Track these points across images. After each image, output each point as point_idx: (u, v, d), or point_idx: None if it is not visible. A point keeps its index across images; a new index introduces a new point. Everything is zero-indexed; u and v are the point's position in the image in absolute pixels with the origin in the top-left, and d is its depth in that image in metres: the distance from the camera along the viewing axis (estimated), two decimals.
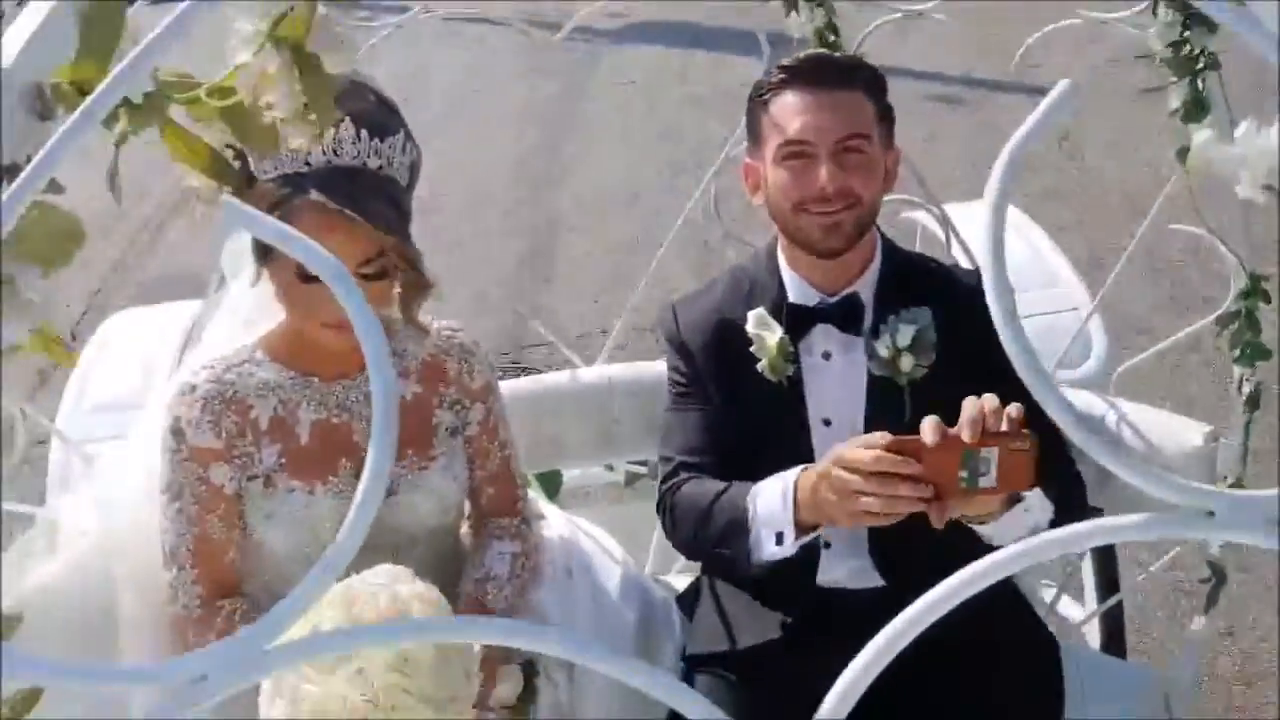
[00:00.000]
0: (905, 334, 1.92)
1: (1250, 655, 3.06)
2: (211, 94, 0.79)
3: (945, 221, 2.30)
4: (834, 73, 1.94)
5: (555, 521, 2.16)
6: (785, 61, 1.96)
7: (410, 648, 1.45)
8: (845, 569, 2.02)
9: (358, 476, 1.80)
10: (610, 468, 2.68)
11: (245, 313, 1.90)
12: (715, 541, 1.96)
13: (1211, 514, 0.57)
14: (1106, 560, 2.37)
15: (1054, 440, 1.64)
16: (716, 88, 6.43)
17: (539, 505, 2.15)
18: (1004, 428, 1.61)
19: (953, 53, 6.29)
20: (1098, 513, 2.00)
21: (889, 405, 1.94)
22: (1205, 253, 2.05)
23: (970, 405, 1.63)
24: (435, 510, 1.91)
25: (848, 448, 1.71)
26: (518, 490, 2.04)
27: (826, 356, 2.00)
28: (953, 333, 1.93)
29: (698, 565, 2.20)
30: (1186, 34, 1.73)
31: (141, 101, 0.70)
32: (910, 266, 2.05)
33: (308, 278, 1.71)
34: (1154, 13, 1.81)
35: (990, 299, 0.63)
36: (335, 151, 1.68)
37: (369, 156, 1.70)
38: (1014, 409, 1.62)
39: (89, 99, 0.68)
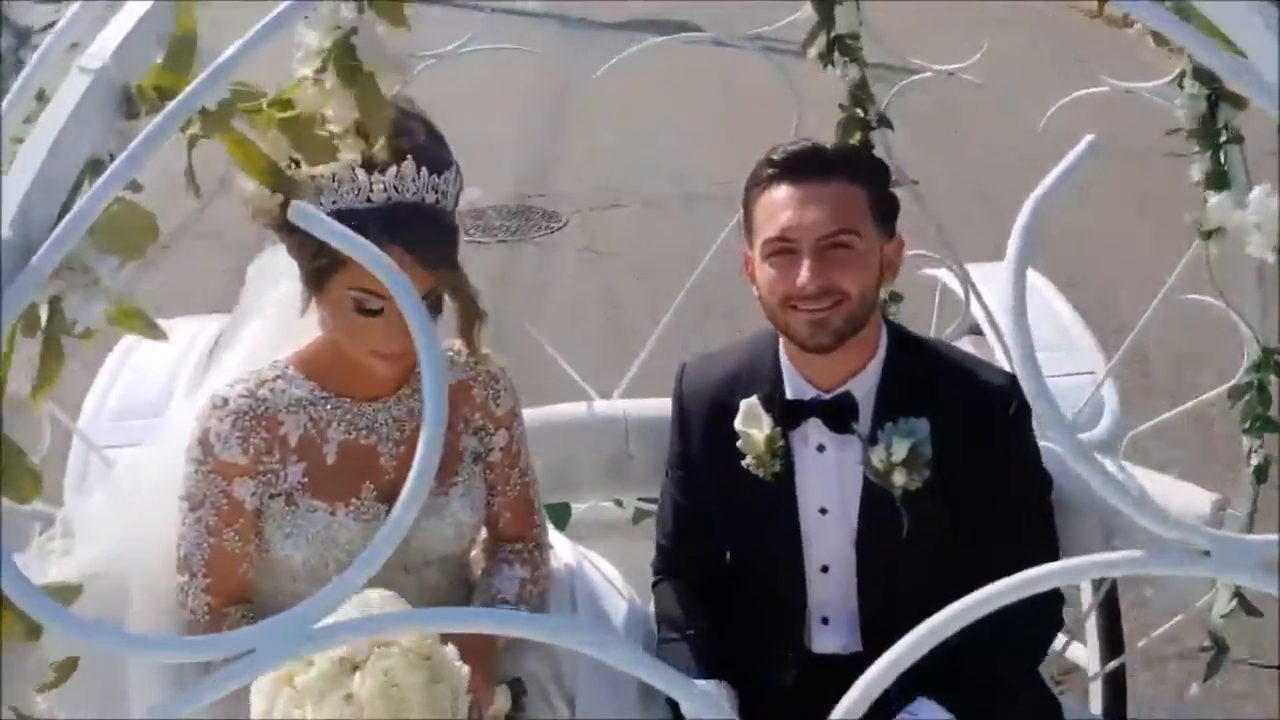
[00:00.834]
0: (900, 448, 1.90)
1: None
2: (273, 105, 0.83)
3: (966, 280, 2.33)
4: (820, 166, 1.91)
5: (563, 551, 2.19)
6: (774, 155, 1.94)
7: (399, 673, 1.47)
8: (839, 643, 2.06)
9: (380, 500, 1.87)
10: (620, 503, 2.70)
11: (280, 329, 1.93)
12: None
13: (1207, 553, 0.59)
14: (1111, 620, 2.38)
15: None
16: None
17: (549, 534, 2.18)
18: None
19: None
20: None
21: (884, 504, 1.95)
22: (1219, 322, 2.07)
23: None
24: (451, 535, 1.94)
25: None
26: (535, 516, 2.07)
27: (821, 449, 2.01)
28: (954, 444, 1.92)
29: None
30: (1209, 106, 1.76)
31: (215, 109, 0.74)
32: (918, 366, 1.99)
33: (366, 311, 1.75)
34: (1180, 85, 1.85)
35: (1013, 352, 0.65)
36: (398, 189, 1.72)
37: (427, 193, 1.74)
38: None
39: (172, 104, 0.73)
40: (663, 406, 2.40)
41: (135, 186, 0.71)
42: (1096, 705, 2.45)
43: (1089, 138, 0.65)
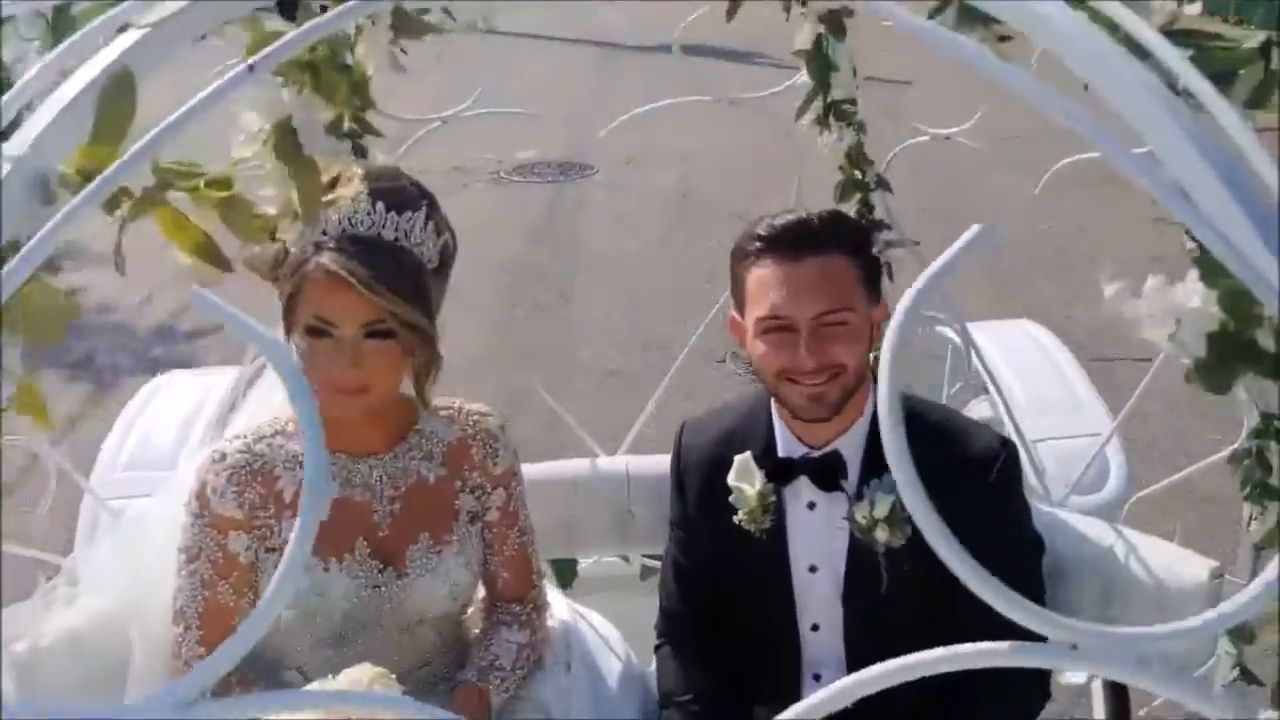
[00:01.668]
0: (883, 505, 1.91)
1: None
2: (210, 185, 0.86)
3: (966, 338, 2.33)
4: (810, 241, 1.89)
5: (560, 611, 2.19)
6: (761, 230, 1.93)
7: None
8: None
9: (373, 557, 1.89)
10: (626, 559, 2.70)
11: (280, 387, 1.95)
12: None
13: (1074, 647, 0.59)
14: (1117, 685, 2.34)
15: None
16: None
17: (546, 594, 2.18)
18: None
19: None
20: None
21: (869, 561, 1.95)
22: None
23: None
24: (445, 595, 1.94)
25: None
26: (533, 576, 2.07)
27: (811, 506, 2.02)
28: (937, 498, 1.90)
29: None
30: None
31: (141, 194, 0.77)
32: (905, 422, 2.00)
33: (313, 332, 1.78)
34: None
35: (890, 460, 0.66)
36: (350, 221, 1.76)
37: (383, 228, 1.77)
38: None
39: (89, 186, 0.75)
40: (664, 464, 2.41)
41: (53, 268, 0.73)
42: None
43: (976, 227, 0.66)
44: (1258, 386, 0.85)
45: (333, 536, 1.89)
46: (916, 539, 1.90)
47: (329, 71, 0.88)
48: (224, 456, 1.88)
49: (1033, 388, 2.51)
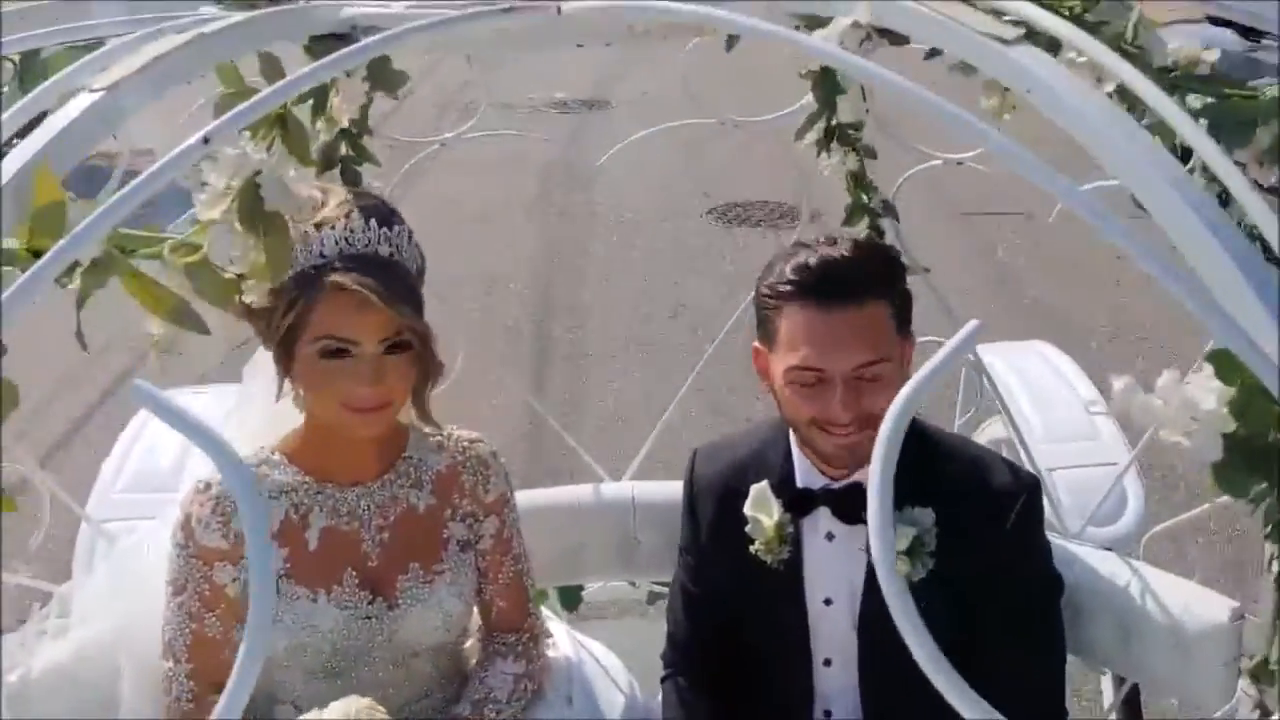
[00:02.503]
0: (904, 537, 1.83)
1: None
2: (175, 249, 0.82)
3: (980, 368, 2.28)
4: (845, 290, 1.80)
5: (561, 641, 2.14)
6: (793, 271, 1.83)
7: None
8: None
9: (362, 587, 1.85)
10: (634, 584, 2.67)
11: (265, 415, 1.92)
12: None
13: None
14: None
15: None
16: None
17: (546, 624, 2.14)
18: None
19: None
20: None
21: None
22: None
23: None
24: (439, 625, 1.90)
25: None
26: (528, 605, 2.03)
27: (830, 537, 1.96)
28: (959, 538, 1.85)
29: None
30: None
31: (91, 265, 0.73)
32: (927, 457, 1.91)
33: (330, 353, 1.74)
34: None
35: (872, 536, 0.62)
36: (348, 240, 1.72)
37: (380, 244, 1.74)
38: None
39: (39, 263, 0.71)
40: (670, 490, 2.37)
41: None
42: None
43: (973, 323, 0.61)
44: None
45: (322, 568, 1.85)
46: (938, 573, 1.88)
47: (298, 127, 0.83)
48: (208, 486, 1.85)
49: (1048, 415, 2.46)
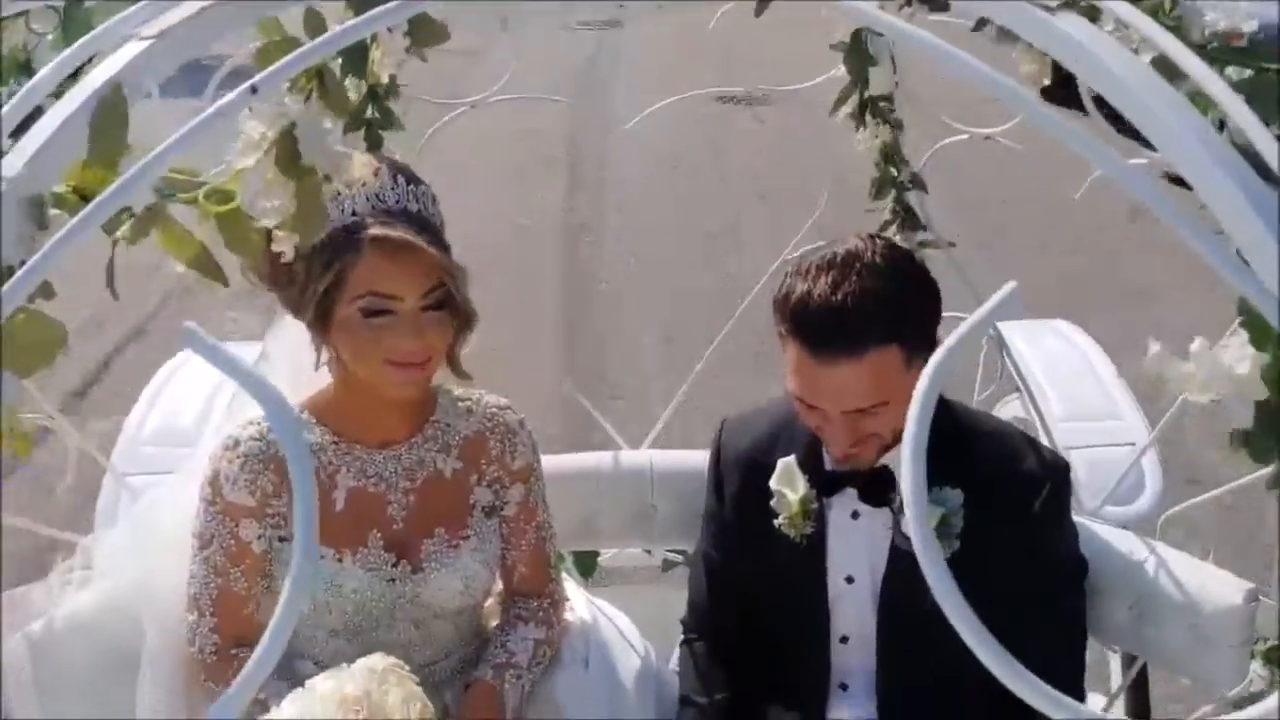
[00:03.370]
0: (932, 516, 1.82)
1: None
2: (210, 196, 0.82)
3: (1000, 344, 2.28)
4: (843, 342, 1.74)
5: (578, 606, 2.16)
6: (796, 303, 1.77)
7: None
8: (855, 712, 2.02)
9: (387, 550, 1.86)
10: (649, 551, 2.68)
11: (287, 377, 1.93)
12: None
13: None
14: (1140, 705, 2.29)
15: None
16: None
17: (564, 588, 2.16)
18: None
19: None
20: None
21: (910, 574, 1.89)
22: None
23: None
24: (460, 589, 1.91)
25: None
26: (550, 571, 2.05)
27: (855, 516, 1.96)
28: (986, 515, 1.86)
29: None
30: None
31: (143, 213, 0.74)
32: (955, 437, 1.90)
33: (373, 313, 1.75)
34: None
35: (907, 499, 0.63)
36: (379, 197, 1.75)
37: (409, 201, 1.77)
38: None
39: (89, 206, 0.72)
40: (688, 459, 2.38)
41: (48, 292, 0.70)
42: None
43: (1011, 284, 0.62)
44: None
45: (347, 529, 1.87)
46: (962, 554, 1.88)
47: (335, 82, 0.84)
48: (237, 443, 1.86)
49: (1068, 393, 2.45)
